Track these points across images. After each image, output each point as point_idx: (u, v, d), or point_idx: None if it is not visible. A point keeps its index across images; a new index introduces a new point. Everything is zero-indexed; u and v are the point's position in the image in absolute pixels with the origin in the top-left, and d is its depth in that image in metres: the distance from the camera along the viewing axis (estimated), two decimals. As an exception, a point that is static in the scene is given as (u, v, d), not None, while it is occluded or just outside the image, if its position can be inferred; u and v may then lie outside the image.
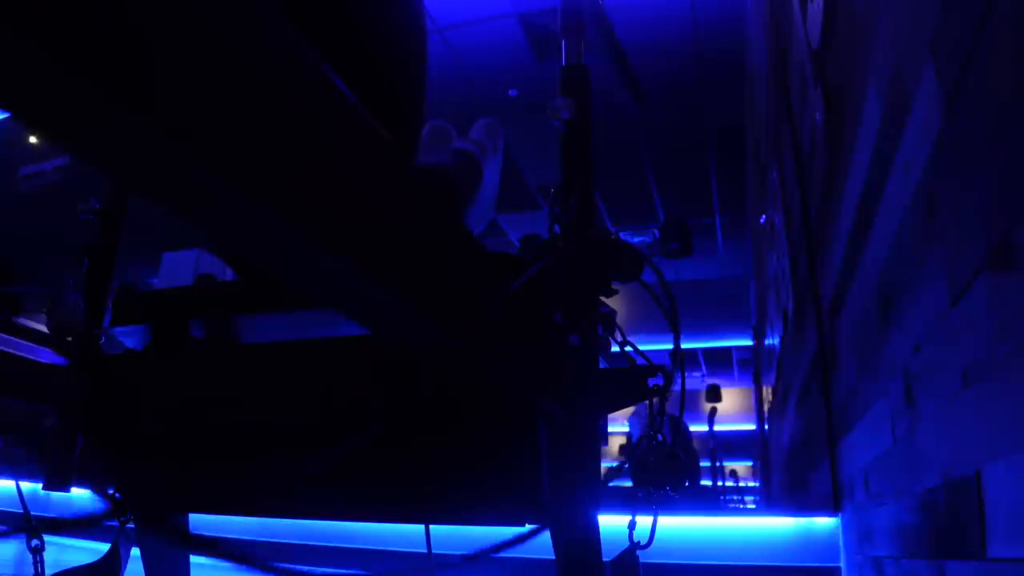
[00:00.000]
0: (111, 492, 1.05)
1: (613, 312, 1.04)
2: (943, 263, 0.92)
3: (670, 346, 1.06)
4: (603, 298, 1.02)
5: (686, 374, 1.23)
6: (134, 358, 1.03)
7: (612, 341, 1.05)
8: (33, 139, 5.71)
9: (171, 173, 0.29)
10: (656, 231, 1.33)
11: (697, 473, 6.34)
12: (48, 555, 1.11)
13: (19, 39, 0.21)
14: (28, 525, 1.09)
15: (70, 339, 1.10)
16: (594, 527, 0.85)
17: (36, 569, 1.08)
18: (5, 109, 0.24)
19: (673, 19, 4.21)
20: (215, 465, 1.00)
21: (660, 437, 1.06)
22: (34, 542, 1.08)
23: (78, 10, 0.23)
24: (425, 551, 1.21)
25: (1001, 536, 0.77)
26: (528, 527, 0.80)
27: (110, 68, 0.24)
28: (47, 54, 0.22)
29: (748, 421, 9.06)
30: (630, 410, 5.25)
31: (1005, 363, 0.73)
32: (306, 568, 2.52)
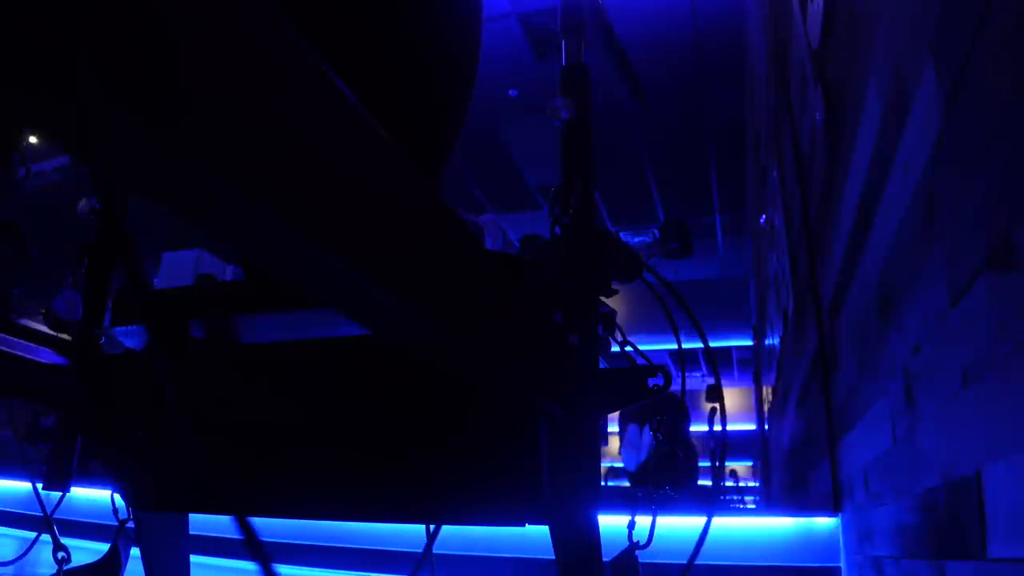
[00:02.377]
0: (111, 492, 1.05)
1: (613, 312, 1.04)
2: (943, 263, 0.92)
3: (671, 346, 1.06)
4: (603, 298, 1.02)
5: (685, 374, 1.23)
6: (134, 358, 1.03)
7: (612, 341, 1.05)
8: (33, 139, 5.71)
9: (172, 175, 0.29)
10: (656, 231, 1.33)
11: (695, 473, 6.33)
12: (47, 554, 1.11)
13: (22, 40, 0.21)
14: (53, 536, 1.10)
15: (70, 339, 1.10)
16: (594, 527, 0.85)
17: None
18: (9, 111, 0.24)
19: (673, 18, 4.21)
20: (215, 465, 1.00)
21: (660, 437, 1.06)
22: (60, 554, 1.09)
23: (83, 9, 0.23)
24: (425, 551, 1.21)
25: (1001, 536, 0.77)
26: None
27: (114, 68, 0.24)
28: (50, 56, 0.22)
29: (748, 421, 9.06)
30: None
31: (1005, 363, 0.73)
32: (306, 568, 2.52)
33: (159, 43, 0.26)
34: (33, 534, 1.09)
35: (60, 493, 1.12)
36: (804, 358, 2.56)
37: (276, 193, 0.33)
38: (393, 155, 0.44)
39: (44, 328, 1.10)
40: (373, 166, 0.43)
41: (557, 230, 1.01)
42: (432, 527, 1.22)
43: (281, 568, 2.57)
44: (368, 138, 0.42)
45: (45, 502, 1.17)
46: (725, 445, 1.10)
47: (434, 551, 1.23)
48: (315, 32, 0.38)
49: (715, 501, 1.02)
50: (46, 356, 1.03)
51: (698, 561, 2.14)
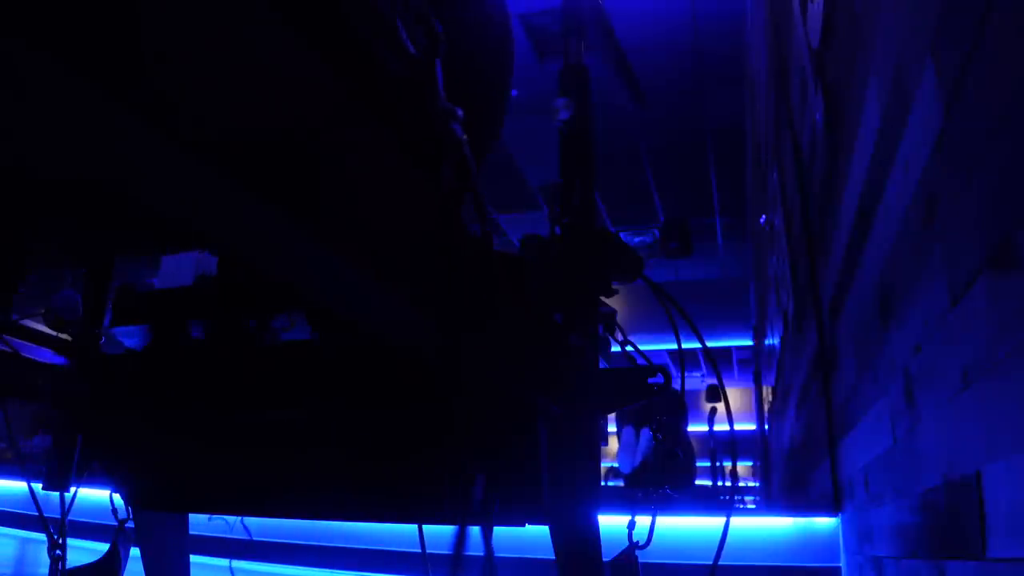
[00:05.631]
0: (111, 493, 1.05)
1: (613, 312, 1.04)
2: (943, 263, 0.92)
3: (671, 346, 1.06)
4: (603, 298, 1.02)
5: (685, 374, 1.24)
6: (134, 358, 1.03)
7: (612, 341, 1.05)
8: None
9: (163, 165, 0.29)
10: (656, 231, 1.33)
11: (693, 472, 6.34)
12: (46, 554, 1.11)
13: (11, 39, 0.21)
14: (49, 534, 1.10)
15: (69, 339, 1.10)
16: (594, 527, 0.85)
17: None
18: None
19: (673, 20, 4.21)
20: (215, 465, 1.00)
21: (660, 437, 1.06)
22: (56, 551, 1.09)
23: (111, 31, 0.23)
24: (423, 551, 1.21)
25: (1001, 536, 0.77)
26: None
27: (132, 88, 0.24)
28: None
29: (748, 421, 9.07)
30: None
31: (1005, 363, 0.73)
32: (307, 568, 2.52)
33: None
34: (38, 535, 1.09)
35: (67, 493, 1.12)
36: (804, 358, 2.56)
37: (274, 188, 0.33)
38: (391, 152, 0.44)
39: (44, 328, 1.10)
40: (371, 164, 0.43)
41: (557, 230, 1.01)
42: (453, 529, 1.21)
43: (281, 568, 2.57)
44: (366, 133, 0.42)
45: (52, 503, 1.17)
46: (734, 443, 1.10)
47: (433, 551, 1.23)
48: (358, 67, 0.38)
49: (729, 501, 1.02)
50: (46, 356, 1.03)
51: (699, 561, 2.14)
